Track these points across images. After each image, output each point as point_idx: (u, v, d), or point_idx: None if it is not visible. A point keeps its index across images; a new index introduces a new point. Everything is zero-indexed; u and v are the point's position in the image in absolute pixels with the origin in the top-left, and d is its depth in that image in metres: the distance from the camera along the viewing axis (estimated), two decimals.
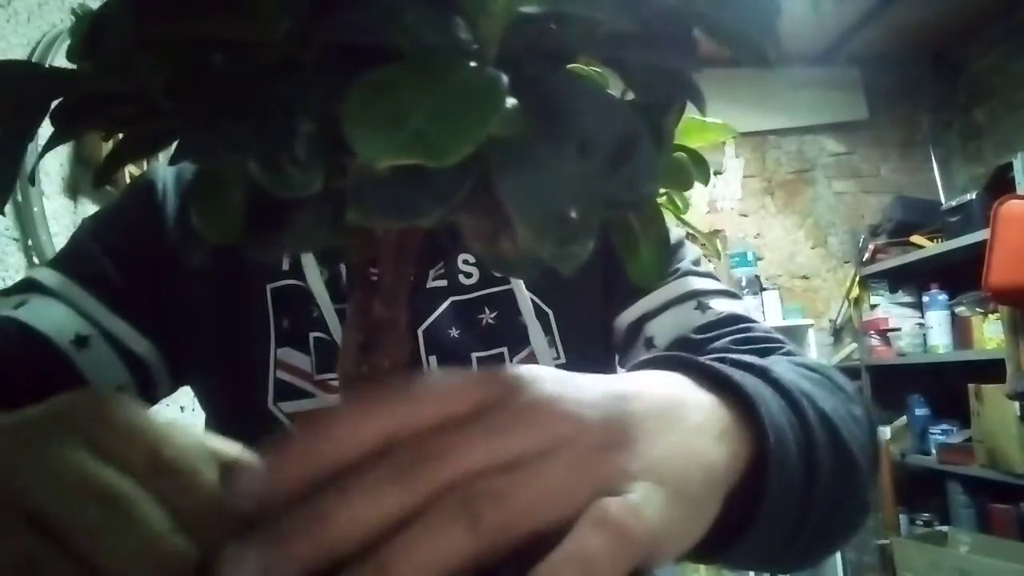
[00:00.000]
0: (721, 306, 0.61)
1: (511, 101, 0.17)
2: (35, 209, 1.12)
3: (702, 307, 0.61)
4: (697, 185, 0.37)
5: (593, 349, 0.67)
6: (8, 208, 1.09)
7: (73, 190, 1.23)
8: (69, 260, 0.60)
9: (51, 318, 0.54)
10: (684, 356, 0.37)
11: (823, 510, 0.37)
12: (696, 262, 0.66)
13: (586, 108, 0.20)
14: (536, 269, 0.22)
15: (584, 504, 0.26)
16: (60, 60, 1.22)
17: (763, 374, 0.38)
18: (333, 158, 0.16)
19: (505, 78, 0.17)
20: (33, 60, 1.14)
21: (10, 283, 0.67)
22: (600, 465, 0.27)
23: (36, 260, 1.11)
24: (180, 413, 1.65)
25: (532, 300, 0.64)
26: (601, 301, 0.66)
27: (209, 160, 0.21)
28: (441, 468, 0.25)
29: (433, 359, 0.61)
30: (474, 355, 0.62)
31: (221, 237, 0.22)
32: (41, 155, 0.22)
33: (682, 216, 0.43)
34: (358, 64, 0.17)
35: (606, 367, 0.69)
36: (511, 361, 0.62)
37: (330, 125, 0.17)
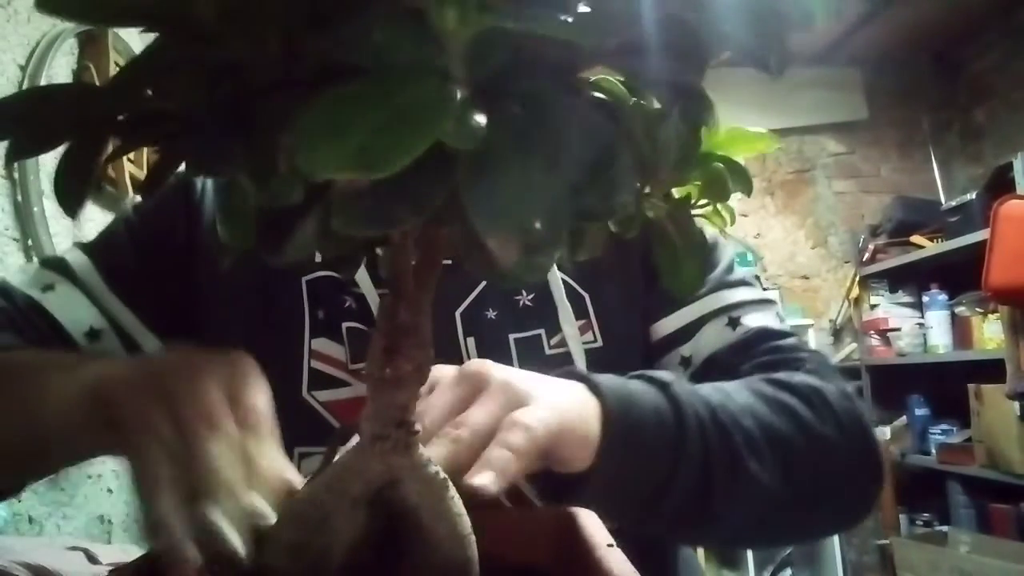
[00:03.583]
0: (752, 320, 0.63)
1: (477, 115, 0.18)
2: (35, 209, 1.12)
3: (733, 323, 0.63)
4: None
5: (632, 334, 0.67)
6: (8, 208, 1.10)
7: None
8: (99, 247, 0.65)
9: (71, 309, 0.60)
10: (578, 371, 0.49)
11: (699, 490, 0.46)
12: (729, 268, 0.67)
13: (563, 122, 0.21)
14: (521, 281, 0.23)
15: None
16: (60, 60, 1.22)
17: (662, 387, 0.49)
18: None
19: (461, 93, 0.18)
20: (33, 60, 1.14)
21: None
22: (512, 398, 0.42)
23: (36, 260, 1.11)
24: None
25: (567, 283, 0.65)
26: (641, 287, 0.66)
27: (207, 173, 0.22)
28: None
29: (472, 340, 0.62)
30: (511, 336, 0.63)
31: (241, 244, 0.24)
32: (106, 164, 0.24)
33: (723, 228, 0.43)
34: (341, 82, 0.18)
35: (645, 352, 0.70)
36: (547, 343, 0.64)
37: None
